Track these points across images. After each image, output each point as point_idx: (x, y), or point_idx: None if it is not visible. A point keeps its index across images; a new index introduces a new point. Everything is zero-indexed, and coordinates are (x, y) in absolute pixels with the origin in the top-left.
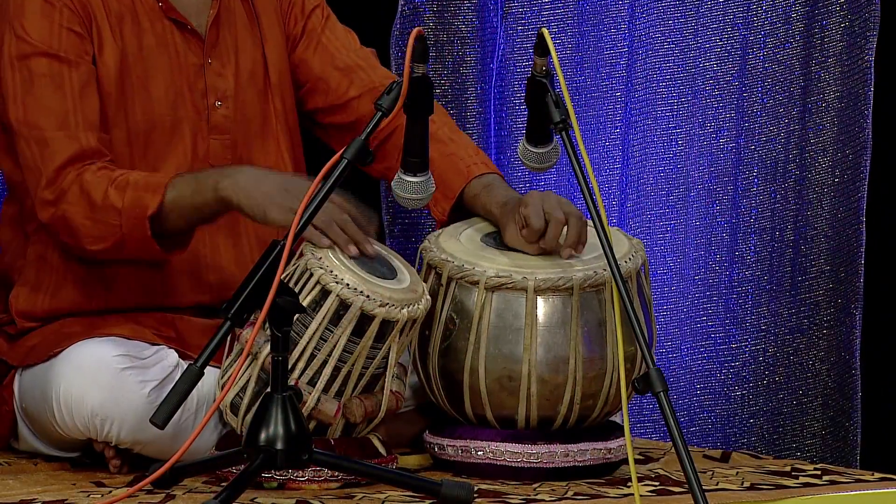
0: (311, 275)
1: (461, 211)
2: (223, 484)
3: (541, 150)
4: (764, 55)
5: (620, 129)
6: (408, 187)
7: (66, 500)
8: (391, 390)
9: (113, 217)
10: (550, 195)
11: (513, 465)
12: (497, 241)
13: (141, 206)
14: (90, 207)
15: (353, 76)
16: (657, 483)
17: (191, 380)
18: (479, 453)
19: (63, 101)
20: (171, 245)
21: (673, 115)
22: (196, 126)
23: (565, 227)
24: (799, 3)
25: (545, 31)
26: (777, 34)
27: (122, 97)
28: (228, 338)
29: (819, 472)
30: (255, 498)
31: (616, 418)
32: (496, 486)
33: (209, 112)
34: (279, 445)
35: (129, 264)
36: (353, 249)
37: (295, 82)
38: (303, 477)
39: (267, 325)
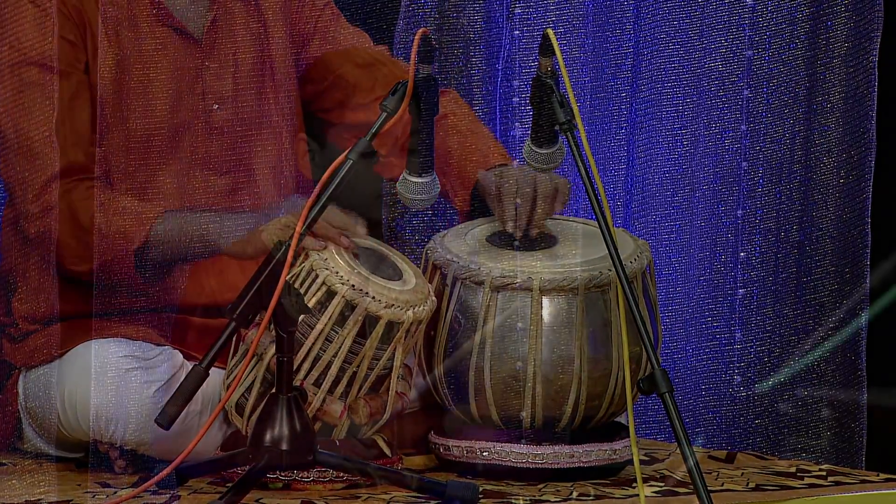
0: (317, 276)
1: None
2: (228, 484)
3: (546, 151)
4: (769, 56)
5: (626, 129)
6: (413, 188)
7: (71, 500)
8: (396, 391)
9: (98, 242)
10: (524, 172)
11: (518, 465)
12: (503, 241)
13: (127, 237)
14: (77, 228)
15: (376, 73)
16: (662, 484)
17: (195, 380)
18: (484, 454)
19: (52, 112)
20: (152, 276)
21: (678, 115)
22: (195, 129)
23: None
24: (804, 5)
25: (550, 31)
26: (782, 35)
27: (120, 103)
28: (234, 338)
29: (824, 473)
30: (261, 498)
31: (621, 419)
32: (501, 487)
33: (208, 115)
34: (284, 446)
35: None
36: (346, 241)
37: (309, 80)
38: (308, 477)
39: (272, 325)
